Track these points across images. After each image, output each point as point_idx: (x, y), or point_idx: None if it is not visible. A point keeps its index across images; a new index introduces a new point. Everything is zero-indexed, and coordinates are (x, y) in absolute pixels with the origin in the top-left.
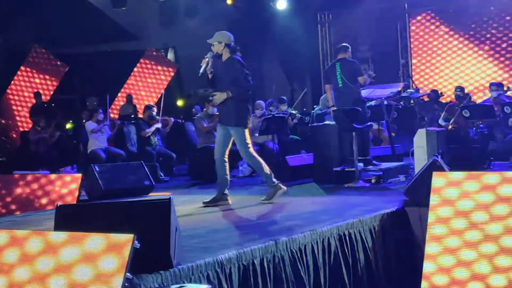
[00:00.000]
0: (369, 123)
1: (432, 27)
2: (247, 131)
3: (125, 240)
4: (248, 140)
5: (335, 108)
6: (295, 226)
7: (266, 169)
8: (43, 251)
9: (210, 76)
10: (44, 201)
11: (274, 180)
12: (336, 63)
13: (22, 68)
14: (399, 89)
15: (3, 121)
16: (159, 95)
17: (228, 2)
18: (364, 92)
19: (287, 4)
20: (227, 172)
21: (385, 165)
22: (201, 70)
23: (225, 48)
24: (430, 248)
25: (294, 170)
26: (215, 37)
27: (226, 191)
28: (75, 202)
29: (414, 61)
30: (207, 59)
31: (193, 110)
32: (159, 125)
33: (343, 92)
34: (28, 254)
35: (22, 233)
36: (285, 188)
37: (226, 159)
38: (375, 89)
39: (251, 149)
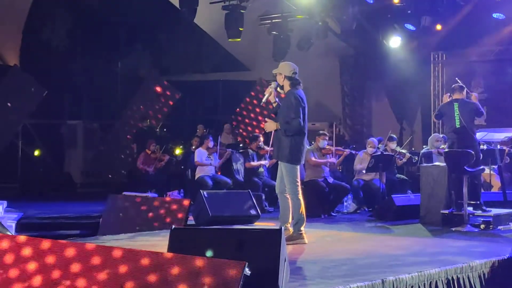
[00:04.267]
0: (481, 167)
1: None
2: (297, 168)
3: (237, 266)
4: (298, 178)
5: (447, 150)
6: (402, 266)
7: (303, 213)
8: (155, 269)
9: (275, 105)
10: (153, 222)
11: (302, 228)
12: (454, 103)
13: (138, 92)
14: None
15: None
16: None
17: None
18: (478, 135)
19: (401, 42)
20: (290, 206)
21: (495, 211)
22: (264, 99)
23: (285, 80)
24: None
25: (400, 209)
26: (278, 68)
27: (302, 229)
28: (183, 226)
29: None
30: (270, 89)
31: None
32: (265, 162)
33: (460, 134)
34: (141, 269)
35: (139, 252)
36: (306, 241)
37: (288, 195)
38: (489, 132)
39: (299, 188)
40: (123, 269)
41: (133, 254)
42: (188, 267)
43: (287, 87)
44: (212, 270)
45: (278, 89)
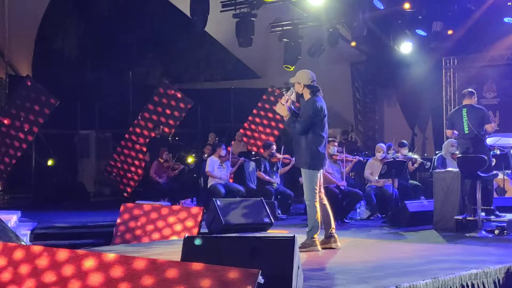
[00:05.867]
0: (494, 172)
1: None
2: (317, 175)
3: (250, 274)
4: (317, 184)
5: (459, 155)
6: (416, 272)
7: (319, 220)
8: (180, 279)
9: (287, 118)
10: (166, 231)
11: (315, 236)
12: (462, 108)
13: (150, 101)
14: None
15: (131, 153)
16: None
17: (352, 44)
18: (490, 140)
19: (412, 48)
20: (329, 211)
21: (509, 216)
22: (277, 110)
23: (305, 89)
24: None
25: (413, 215)
26: (295, 77)
27: (316, 237)
28: (196, 234)
29: None
30: (287, 97)
31: None
32: (276, 182)
33: (469, 139)
34: (166, 280)
35: (163, 262)
36: (320, 249)
37: (309, 202)
38: (502, 137)
39: (317, 196)
40: (147, 280)
41: (157, 264)
42: (202, 275)
43: (307, 95)
44: (226, 277)
45: (293, 96)
